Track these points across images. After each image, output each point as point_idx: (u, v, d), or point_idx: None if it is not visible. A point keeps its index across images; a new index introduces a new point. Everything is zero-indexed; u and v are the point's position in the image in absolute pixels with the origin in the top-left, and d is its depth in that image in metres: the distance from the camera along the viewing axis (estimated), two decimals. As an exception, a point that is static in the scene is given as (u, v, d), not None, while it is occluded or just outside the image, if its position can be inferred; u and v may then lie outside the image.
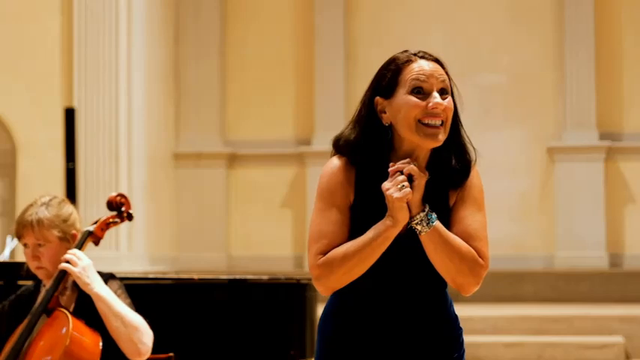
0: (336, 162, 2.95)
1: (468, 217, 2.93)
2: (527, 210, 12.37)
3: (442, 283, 2.96)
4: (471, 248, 2.89)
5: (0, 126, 11.76)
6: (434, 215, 2.85)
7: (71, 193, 10.92)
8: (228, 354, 5.04)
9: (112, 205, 4.13)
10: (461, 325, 3.07)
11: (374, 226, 2.84)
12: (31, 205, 4.00)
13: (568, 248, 12.13)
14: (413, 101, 2.88)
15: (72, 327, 3.76)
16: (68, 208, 4.03)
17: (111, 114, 11.36)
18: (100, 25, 11.38)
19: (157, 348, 3.95)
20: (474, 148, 3.01)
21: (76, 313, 3.87)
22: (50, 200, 4.01)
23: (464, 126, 3.04)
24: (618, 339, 9.12)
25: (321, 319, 3.06)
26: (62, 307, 3.87)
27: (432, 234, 2.85)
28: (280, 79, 12.85)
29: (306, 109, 12.69)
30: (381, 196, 2.85)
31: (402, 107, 2.88)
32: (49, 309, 3.86)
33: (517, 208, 12.35)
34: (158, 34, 12.30)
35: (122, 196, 4.15)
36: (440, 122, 2.88)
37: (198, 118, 12.85)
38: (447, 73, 2.96)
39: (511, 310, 10.23)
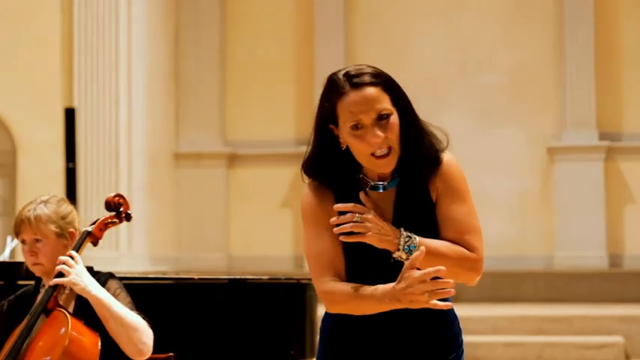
0: (309, 187, 2.99)
1: (452, 210, 2.92)
2: (527, 210, 12.37)
3: None
4: (458, 248, 2.88)
5: (0, 126, 11.76)
6: (412, 244, 2.83)
7: (71, 193, 10.92)
8: (229, 354, 5.04)
9: (110, 205, 4.13)
10: (461, 325, 3.07)
11: (378, 291, 2.82)
12: (31, 203, 4.02)
13: (568, 248, 12.13)
14: (355, 140, 2.87)
15: (71, 327, 3.76)
16: (67, 206, 4.05)
17: (111, 114, 11.36)
18: (100, 25, 11.38)
19: (157, 348, 3.94)
20: (437, 142, 2.98)
21: (75, 314, 3.87)
22: (49, 198, 4.03)
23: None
24: (618, 339, 9.12)
25: (322, 320, 3.08)
26: (61, 307, 3.87)
27: None
28: (280, 79, 12.85)
29: (306, 109, 12.68)
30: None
31: (350, 143, 2.90)
32: (48, 309, 3.86)
33: (517, 208, 12.35)
34: (158, 34, 12.30)
35: (120, 196, 4.16)
36: (386, 151, 2.87)
37: (198, 118, 12.85)
38: (386, 84, 2.90)
39: (511, 310, 10.23)
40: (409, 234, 2.83)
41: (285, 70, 12.86)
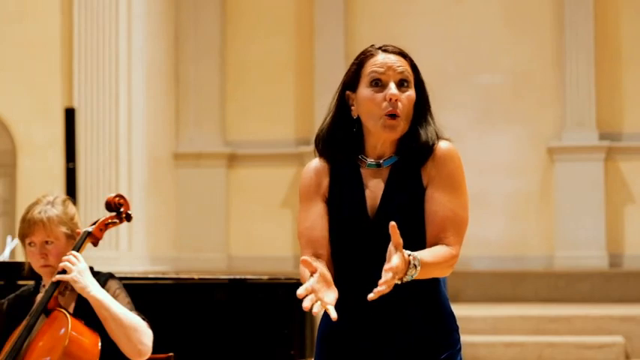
0: (311, 163, 3.06)
1: (441, 198, 2.94)
2: (527, 210, 12.37)
3: (435, 279, 2.98)
4: (443, 249, 2.89)
5: (0, 126, 11.76)
6: (414, 273, 2.78)
7: (71, 193, 10.92)
8: (228, 354, 5.04)
9: (110, 206, 4.13)
10: (460, 324, 3.07)
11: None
12: (36, 204, 4.01)
13: (568, 248, 12.13)
14: (371, 94, 2.95)
15: (71, 327, 3.76)
16: (72, 207, 4.06)
17: (111, 114, 11.36)
18: (100, 25, 11.38)
19: (157, 348, 3.94)
20: (441, 133, 3.04)
21: (75, 314, 3.87)
22: (54, 199, 4.03)
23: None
24: (618, 339, 9.12)
25: (321, 317, 3.11)
26: (61, 307, 3.88)
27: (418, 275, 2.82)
28: (280, 79, 12.85)
29: (306, 109, 12.69)
30: (352, 189, 2.93)
31: (364, 100, 2.97)
32: (48, 309, 3.86)
33: (517, 208, 12.34)
34: (158, 34, 12.30)
35: (121, 196, 4.16)
36: (396, 114, 2.93)
37: (198, 118, 12.85)
38: (412, 65, 3.03)
39: (511, 310, 10.23)
40: (415, 262, 2.77)
41: (285, 70, 12.86)
